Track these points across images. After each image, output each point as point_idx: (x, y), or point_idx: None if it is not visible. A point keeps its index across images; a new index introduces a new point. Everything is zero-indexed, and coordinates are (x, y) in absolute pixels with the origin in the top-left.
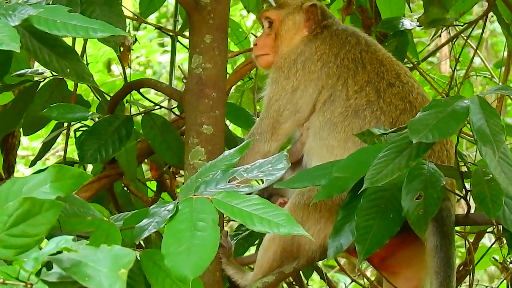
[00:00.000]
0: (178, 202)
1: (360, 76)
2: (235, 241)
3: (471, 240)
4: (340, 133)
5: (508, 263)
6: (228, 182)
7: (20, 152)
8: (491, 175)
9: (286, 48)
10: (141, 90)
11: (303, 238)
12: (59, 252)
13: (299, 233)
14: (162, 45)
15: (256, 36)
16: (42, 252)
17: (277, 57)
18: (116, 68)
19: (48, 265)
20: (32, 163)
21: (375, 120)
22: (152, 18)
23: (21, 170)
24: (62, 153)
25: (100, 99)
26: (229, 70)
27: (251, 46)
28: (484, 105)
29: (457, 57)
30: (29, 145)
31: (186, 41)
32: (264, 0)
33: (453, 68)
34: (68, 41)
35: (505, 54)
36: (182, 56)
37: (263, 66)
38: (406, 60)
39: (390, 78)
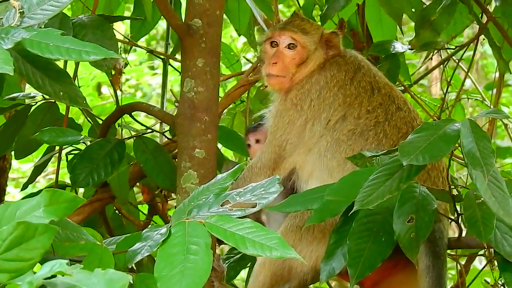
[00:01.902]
0: (171, 226)
1: (375, 98)
2: (227, 264)
3: (463, 263)
4: (341, 153)
5: (499, 285)
6: (220, 206)
7: (9, 174)
8: (482, 198)
9: (302, 76)
10: (132, 113)
11: (294, 261)
12: (53, 276)
13: (291, 256)
14: (152, 67)
15: (246, 59)
16: (37, 276)
17: (290, 84)
18: (107, 91)
19: None
20: (24, 187)
21: (377, 142)
22: (142, 41)
23: (11, 192)
24: (52, 176)
25: (92, 123)
26: (221, 93)
27: (243, 69)
28: (475, 128)
29: (448, 79)
30: (18, 167)
31: (176, 64)
32: (256, 22)
33: (444, 91)
34: (60, 64)
35: (497, 74)
36: (172, 77)
37: (275, 87)
38: (397, 83)
39: (399, 103)
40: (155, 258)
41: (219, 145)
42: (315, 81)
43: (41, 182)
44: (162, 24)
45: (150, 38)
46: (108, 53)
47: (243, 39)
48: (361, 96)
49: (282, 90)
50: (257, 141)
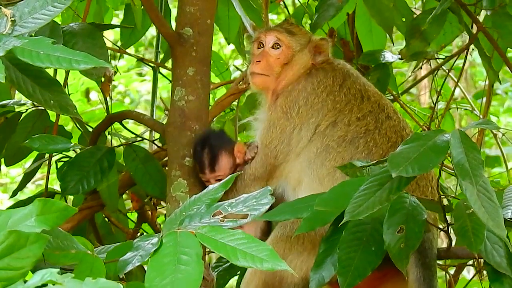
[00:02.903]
0: (162, 236)
1: (365, 105)
2: (216, 273)
3: (452, 273)
4: (331, 161)
5: None
6: (212, 216)
7: None
8: (472, 209)
9: (288, 79)
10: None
11: (285, 271)
12: (44, 285)
13: (282, 268)
14: (140, 74)
15: (236, 67)
16: (28, 285)
17: (276, 84)
18: (96, 97)
19: None
20: (14, 194)
21: (367, 150)
22: (130, 47)
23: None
24: (41, 182)
25: (82, 130)
26: (210, 101)
27: (232, 77)
28: (464, 139)
29: (438, 89)
30: (7, 172)
31: (165, 71)
32: (245, 30)
33: (434, 100)
34: (50, 72)
35: (487, 82)
36: (161, 84)
37: (258, 85)
38: (387, 92)
39: (389, 112)
40: (145, 268)
41: None
42: (301, 87)
43: (30, 187)
44: (151, 30)
45: (139, 44)
46: (99, 62)
47: (231, 45)
48: (351, 103)
49: (264, 88)
50: (218, 180)
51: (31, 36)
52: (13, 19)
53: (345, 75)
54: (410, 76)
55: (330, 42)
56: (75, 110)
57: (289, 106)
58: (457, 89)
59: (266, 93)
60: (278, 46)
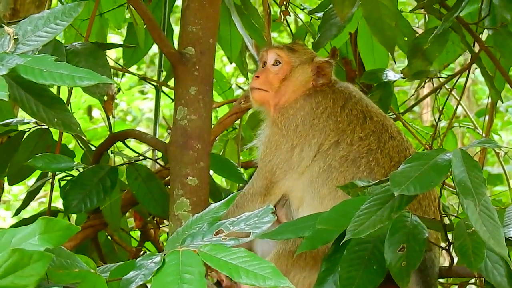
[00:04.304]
0: (165, 255)
1: (368, 125)
2: None
3: None
4: (333, 180)
5: None
6: (214, 235)
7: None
8: (473, 228)
9: (288, 95)
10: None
11: None
12: None
13: (285, 285)
14: (142, 92)
15: (239, 86)
16: None
17: (276, 100)
18: (98, 114)
19: None
20: (17, 212)
21: (369, 170)
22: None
23: (2, 215)
24: (44, 199)
25: (85, 149)
26: (213, 120)
27: (234, 96)
28: (466, 158)
29: (440, 108)
30: (9, 189)
31: (168, 90)
32: (247, 49)
33: (436, 119)
34: (53, 90)
35: (487, 101)
36: (163, 102)
37: (257, 100)
38: (389, 111)
39: (393, 132)
40: (148, 287)
41: (211, 172)
42: (299, 107)
43: (32, 205)
44: (153, 48)
45: (140, 62)
46: (102, 78)
47: (234, 63)
48: (354, 123)
49: (263, 103)
50: None
51: (34, 54)
52: (16, 37)
53: (347, 97)
54: (412, 95)
55: (333, 65)
56: (78, 128)
57: (285, 123)
58: (460, 108)
59: (267, 109)
60: (279, 63)
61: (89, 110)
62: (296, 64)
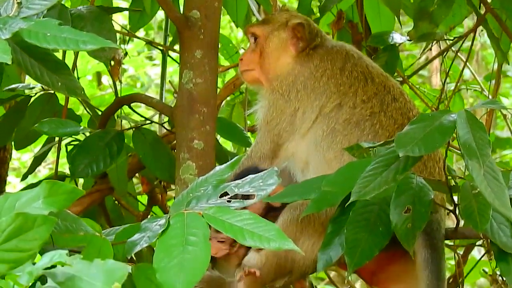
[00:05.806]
0: (169, 217)
1: (369, 87)
2: None
3: (461, 253)
4: (338, 144)
5: (497, 275)
6: (219, 197)
7: (10, 165)
8: (478, 189)
9: (273, 65)
10: (131, 105)
11: (297, 254)
12: (53, 266)
13: (289, 247)
14: (150, 58)
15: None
16: (37, 267)
17: (264, 75)
18: (107, 81)
19: (42, 280)
20: (24, 177)
21: (373, 133)
22: (140, 30)
23: (13, 182)
24: (52, 165)
25: (91, 114)
26: (220, 84)
27: None
28: (471, 119)
29: (447, 70)
30: (18, 157)
31: (175, 54)
32: (253, 15)
33: (443, 82)
34: (59, 55)
35: (495, 66)
36: (171, 69)
37: (248, 81)
38: (396, 74)
39: (395, 94)
40: (153, 248)
41: (218, 137)
42: (298, 73)
43: (42, 171)
44: (159, 13)
45: (148, 27)
46: (106, 43)
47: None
48: (355, 86)
49: (255, 81)
50: None
51: (38, 18)
52: (19, 1)
53: (345, 58)
54: (420, 58)
55: (307, 27)
56: (82, 92)
57: (286, 90)
58: (469, 72)
59: (262, 85)
60: (255, 39)
61: (98, 77)
62: (269, 34)
